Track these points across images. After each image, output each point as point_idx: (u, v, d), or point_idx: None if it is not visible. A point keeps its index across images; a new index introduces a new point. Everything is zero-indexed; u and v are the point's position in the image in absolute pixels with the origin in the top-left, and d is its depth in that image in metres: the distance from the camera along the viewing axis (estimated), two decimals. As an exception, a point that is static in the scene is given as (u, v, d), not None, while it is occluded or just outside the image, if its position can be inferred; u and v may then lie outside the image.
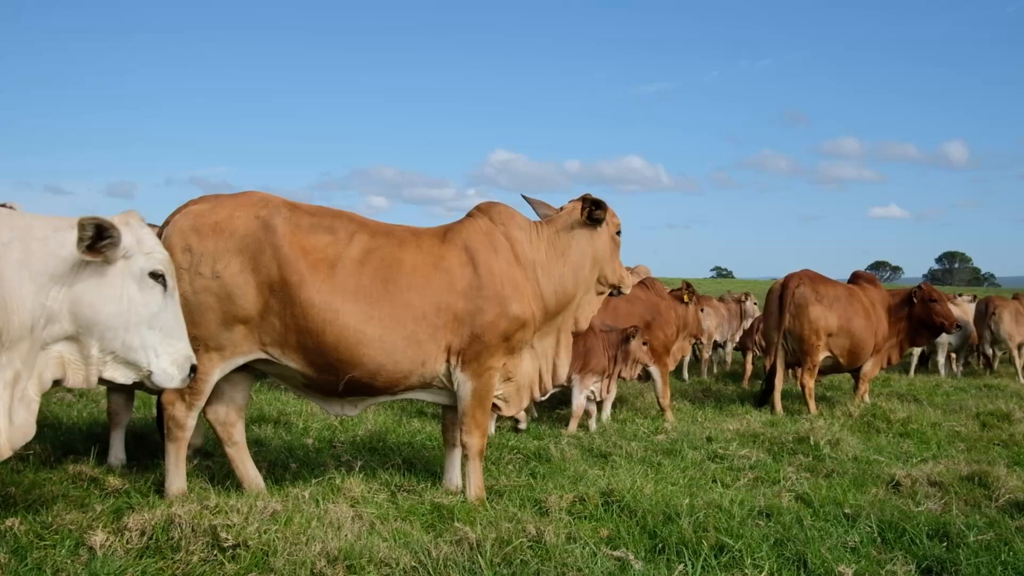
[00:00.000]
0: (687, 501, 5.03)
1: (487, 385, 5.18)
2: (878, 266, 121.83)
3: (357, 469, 5.56)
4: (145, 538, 4.03)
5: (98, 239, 3.57)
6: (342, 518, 4.38)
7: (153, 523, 4.12)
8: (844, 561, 4.18)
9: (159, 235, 4.51)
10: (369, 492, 5.05)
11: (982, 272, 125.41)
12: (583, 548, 4.21)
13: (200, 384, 4.77)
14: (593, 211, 5.47)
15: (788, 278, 9.84)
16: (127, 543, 3.96)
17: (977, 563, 4.23)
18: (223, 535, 3.99)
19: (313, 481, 5.21)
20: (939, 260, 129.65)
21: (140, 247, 3.77)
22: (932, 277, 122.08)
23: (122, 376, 3.81)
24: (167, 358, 3.86)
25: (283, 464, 5.82)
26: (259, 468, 5.24)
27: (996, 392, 11.81)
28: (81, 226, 3.52)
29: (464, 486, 5.25)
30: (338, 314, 4.79)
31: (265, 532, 4.06)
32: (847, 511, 5.08)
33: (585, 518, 4.80)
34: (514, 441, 6.95)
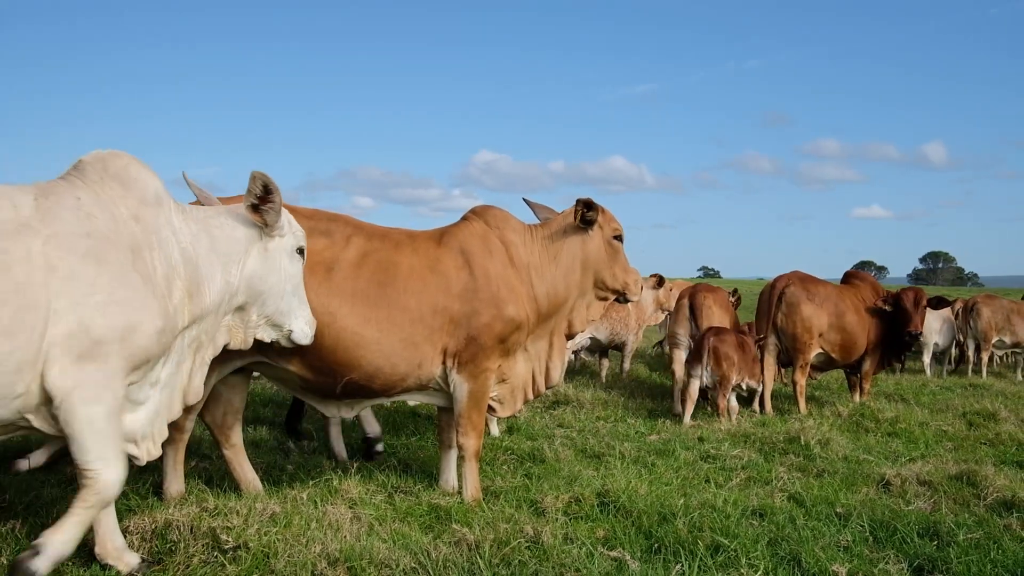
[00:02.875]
0: (682, 501, 5.08)
1: (483, 387, 5.21)
2: (863, 266, 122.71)
3: (354, 470, 5.59)
4: (145, 541, 4.05)
5: (263, 200, 4.11)
6: (341, 519, 4.40)
7: (152, 526, 4.14)
8: (838, 560, 4.24)
9: None
10: (367, 493, 5.08)
11: (966, 272, 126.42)
12: (580, 548, 4.26)
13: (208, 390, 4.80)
14: (585, 213, 5.50)
15: (778, 279, 9.98)
16: (128, 546, 3.96)
17: (967, 561, 4.30)
18: (223, 537, 4.02)
19: (310, 483, 5.23)
20: (923, 260, 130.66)
21: (290, 227, 4.33)
22: (916, 277, 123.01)
23: (267, 336, 4.39)
24: (302, 320, 4.42)
25: (280, 466, 5.84)
26: (256, 470, 5.26)
27: (982, 391, 11.94)
28: (252, 179, 4.07)
29: (461, 487, 5.29)
30: (335, 317, 4.80)
31: (265, 534, 4.08)
32: (839, 510, 5.15)
33: (581, 519, 4.84)
34: (508, 442, 6.98)
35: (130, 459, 3.76)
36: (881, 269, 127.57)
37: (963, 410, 9.69)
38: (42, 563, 3.39)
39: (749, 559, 4.21)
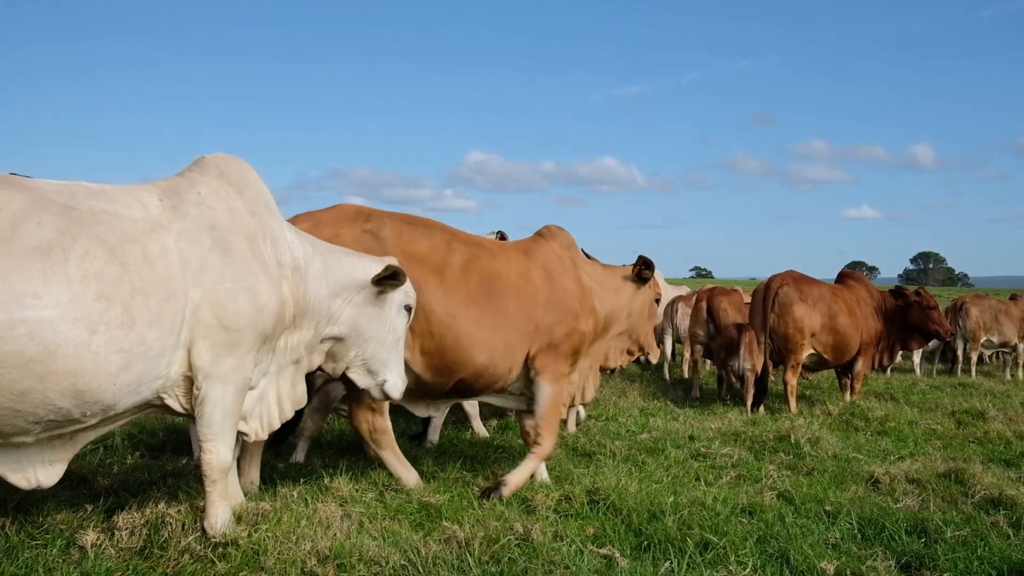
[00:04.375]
0: (671, 499, 5.10)
1: (562, 390, 5.66)
2: (854, 266, 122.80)
3: (344, 469, 5.59)
4: (136, 537, 4.04)
5: (389, 279, 4.46)
6: (331, 517, 4.40)
7: (144, 522, 4.13)
8: (826, 557, 4.27)
9: None
10: (357, 491, 5.07)
11: (956, 272, 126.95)
12: (570, 546, 4.27)
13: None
14: (642, 270, 6.13)
15: (772, 279, 10.00)
16: (118, 542, 3.96)
17: (954, 558, 4.34)
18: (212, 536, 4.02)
19: (301, 481, 5.23)
20: (914, 260, 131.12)
21: (404, 285, 4.62)
22: (907, 277, 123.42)
23: (360, 380, 4.67)
24: (395, 373, 4.68)
25: (270, 464, 5.83)
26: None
27: (971, 390, 11.99)
28: (386, 267, 4.47)
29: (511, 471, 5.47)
30: (456, 319, 5.12)
31: (255, 531, 4.08)
32: (828, 508, 5.18)
33: (571, 516, 4.86)
34: (500, 440, 7.00)
35: (241, 434, 4.27)
36: (872, 269, 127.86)
37: (952, 409, 9.74)
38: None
39: (738, 556, 4.23)
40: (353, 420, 5.25)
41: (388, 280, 4.47)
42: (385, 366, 4.63)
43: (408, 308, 4.70)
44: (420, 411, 5.57)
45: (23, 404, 3.33)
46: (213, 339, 3.79)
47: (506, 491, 5.16)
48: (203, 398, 3.85)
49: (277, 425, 4.41)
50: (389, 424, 5.26)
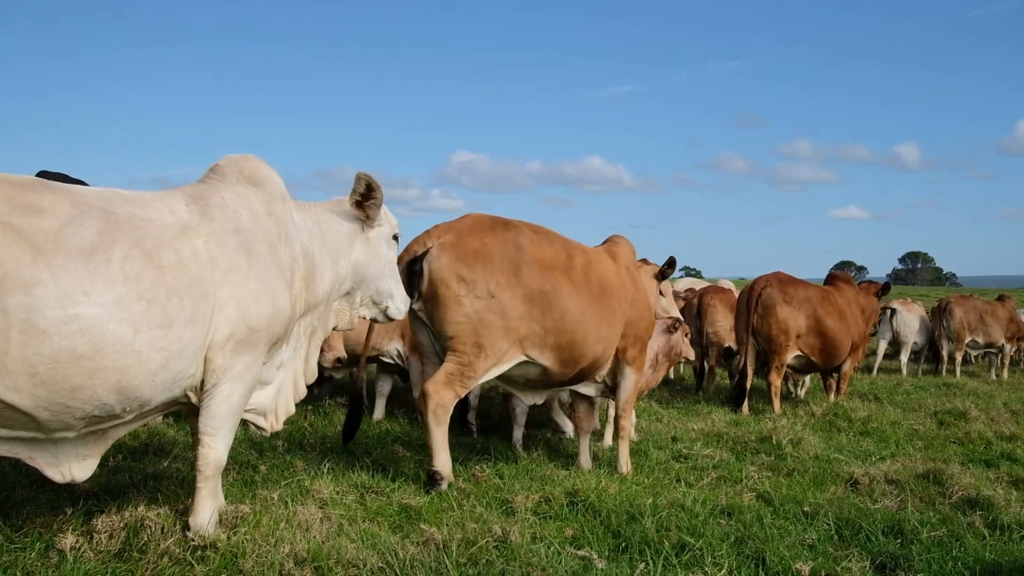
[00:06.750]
0: (650, 501, 5.13)
1: (640, 378, 6.38)
2: (843, 266, 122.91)
3: (326, 471, 5.60)
4: (115, 540, 4.04)
5: (365, 197, 4.64)
6: (310, 520, 4.41)
7: (123, 525, 4.14)
8: (801, 559, 4.30)
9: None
10: (337, 493, 5.08)
11: (944, 272, 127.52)
12: (548, 548, 4.28)
13: (471, 382, 5.39)
14: (667, 269, 7.37)
15: (757, 280, 10.04)
16: (97, 546, 3.96)
17: (929, 559, 4.38)
18: (192, 537, 4.03)
19: (282, 483, 5.23)
20: (902, 260, 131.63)
21: (387, 217, 4.85)
22: (896, 277, 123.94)
23: (368, 314, 4.96)
24: (398, 297, 5.00)
25: (252, 466, 5.83)
26: (228, 469, 5.25)
27: (955, 391, 12.08)
28: (357, 179, 4.63)
29: (617, 462, 6.30)
30: (586, 317, 5.67)
31: (234, 534, 4.09)
32: (806, 509, 5.22)
33: (550, 518, 4.88)
34: (483, 442, 7.01)
35: (259, 429, 4.48)
36: (861, 269, 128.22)
37: (935, 409, 9.82)
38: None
39: (714, 558, 4.25)
40: (428, 384, 5.37)
41: (367, 198, 4.64)
42: (385, 295, 4.92)
43: (395, 236, 4.94)
44: (530, 399, 6.23)
45: (74, 400, 3.47)
46: (235, 337, 3.92)
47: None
48: (212, 392, 3.96)
49: (294, 411, 4.59)
50: (453, 406, 5.42)
